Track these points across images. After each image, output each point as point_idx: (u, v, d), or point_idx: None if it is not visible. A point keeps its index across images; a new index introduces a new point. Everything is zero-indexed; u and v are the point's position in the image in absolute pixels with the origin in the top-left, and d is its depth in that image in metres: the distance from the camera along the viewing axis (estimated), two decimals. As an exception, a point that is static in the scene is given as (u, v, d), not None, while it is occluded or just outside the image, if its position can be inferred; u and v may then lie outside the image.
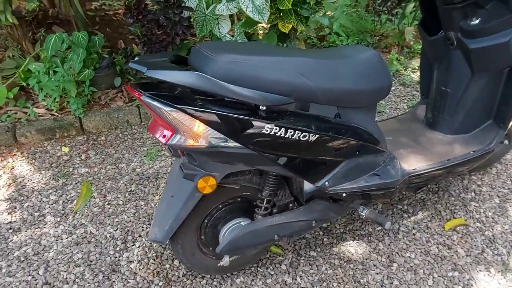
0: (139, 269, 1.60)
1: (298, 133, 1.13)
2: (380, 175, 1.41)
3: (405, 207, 1.94)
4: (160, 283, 1.55)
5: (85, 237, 1.74)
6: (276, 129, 1.10)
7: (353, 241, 1.75)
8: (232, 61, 1.07)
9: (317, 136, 1.16)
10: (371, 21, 3.34)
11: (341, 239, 1.76)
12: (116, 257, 1.65)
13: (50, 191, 1.98)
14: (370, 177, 1.39)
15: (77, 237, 1.74)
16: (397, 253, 1.69)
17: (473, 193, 2.02)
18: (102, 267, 1.61)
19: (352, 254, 1.69)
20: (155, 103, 1.03)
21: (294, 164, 1.21)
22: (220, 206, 1.41)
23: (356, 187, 1.34)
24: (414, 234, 1.79)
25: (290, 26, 2.50)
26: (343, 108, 1.26)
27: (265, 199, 1.36)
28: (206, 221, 1.41)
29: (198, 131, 1.07)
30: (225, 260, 1.41)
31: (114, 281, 1.56)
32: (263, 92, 1.08)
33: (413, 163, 1.56)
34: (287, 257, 1.67)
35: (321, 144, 1.20)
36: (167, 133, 1.10)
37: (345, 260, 1.66)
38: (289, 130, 1.12)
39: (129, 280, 1.56)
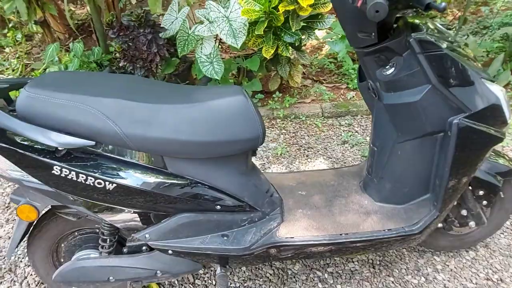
0: (30, 274, 1.68)
1: (91, 179, 1.05)
2: (227, 238, 1.22)
3: (326, 275, 1.65)
4: (38, 293, 1.60)
5: (9, 232, 1.90)
6: (66, 171, 1.04)
7: (242, 300, 1.56)
8: (35, 97, 1.05)
9: (115, 185, 1.06)
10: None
11: (230, 295, 1.58)
12: (19, 258, 1.76)
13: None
14: (214, 238, 1.21)
15: (4, 231, 1.91)
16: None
17: (422, 278, 1.62)
18: (3, 264, 1.74)
19: (231, 315, 1.50)
20: None
21: (102, 210, 1.13)
22: (76, 233, 1.39)
23: (186, 246, 1.19)
24: (315, 311, 1.51)
25: (272, 51, 2.36)
26: (172, 158, 1.13)
27: (107, 238, 1.30)
28: (63, 245, 1.41)
29: None
30: (75, 289, 1.39)
31: (4, 280, 1.67)
32: (60, 132, 1.04)
33: (296, 231, 1.31)
34: (164, 299, 1.57)
35: (126, 194, 1.09)
36: None
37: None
38: (80, 175, 1.05)
39: (16, 283, 1.65)
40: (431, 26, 1.19)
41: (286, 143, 2.46)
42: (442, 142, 1.23)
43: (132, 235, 1.20)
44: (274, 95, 2.71)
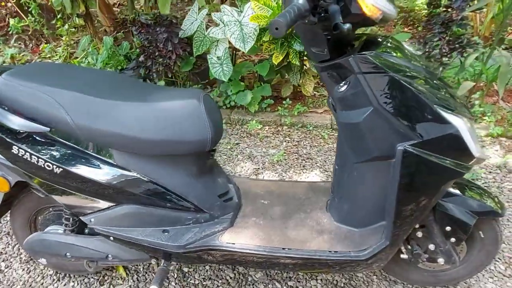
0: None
1: (41, 161, 1.16)
2: (168, 234, 1.27)
3: (279, 285, 1.63)
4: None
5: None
6: (22, 151, 1.16)
7: (196, 297, 1.60)
8: (8, 84, 1.19)
9: (61, 169, 1.16)
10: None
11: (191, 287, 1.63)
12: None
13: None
14: (155, 231, 1.27)
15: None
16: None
17: (384, 309, 1.53)
18: (4, 227, 1.96)
19: (182, 310, 1.55)
20: None
21: (52, 191, 1.24)
22: (51, 209, 1.54)
23: (125, 236, 1.25)
24: (263, 322, 1.50)
25: (281, 58, 2.37)
26: (119, 151, 1.21)
27: (69, 217, 1.42)
28: (40, 218, 1.57)
29: None
30: (42, 260, 1.53)
31: (1, 242, 1.88)
32: (24, 116, 1.16)
33: (239, 238, 1.32)
34: (126, 283, 1.66)
35: (72, 179, 1.19)
36: None
37: (169, 312, 1.54)
38: (33, 156, 1.16)
39: (9, 246, 1.85)
40: (393, 47, 1.13)
41: (286, 151, 2.44)
42: (394, 167, 1.16)
43: (80, 217, 1.30)
44: (284, 102, 2.71)
